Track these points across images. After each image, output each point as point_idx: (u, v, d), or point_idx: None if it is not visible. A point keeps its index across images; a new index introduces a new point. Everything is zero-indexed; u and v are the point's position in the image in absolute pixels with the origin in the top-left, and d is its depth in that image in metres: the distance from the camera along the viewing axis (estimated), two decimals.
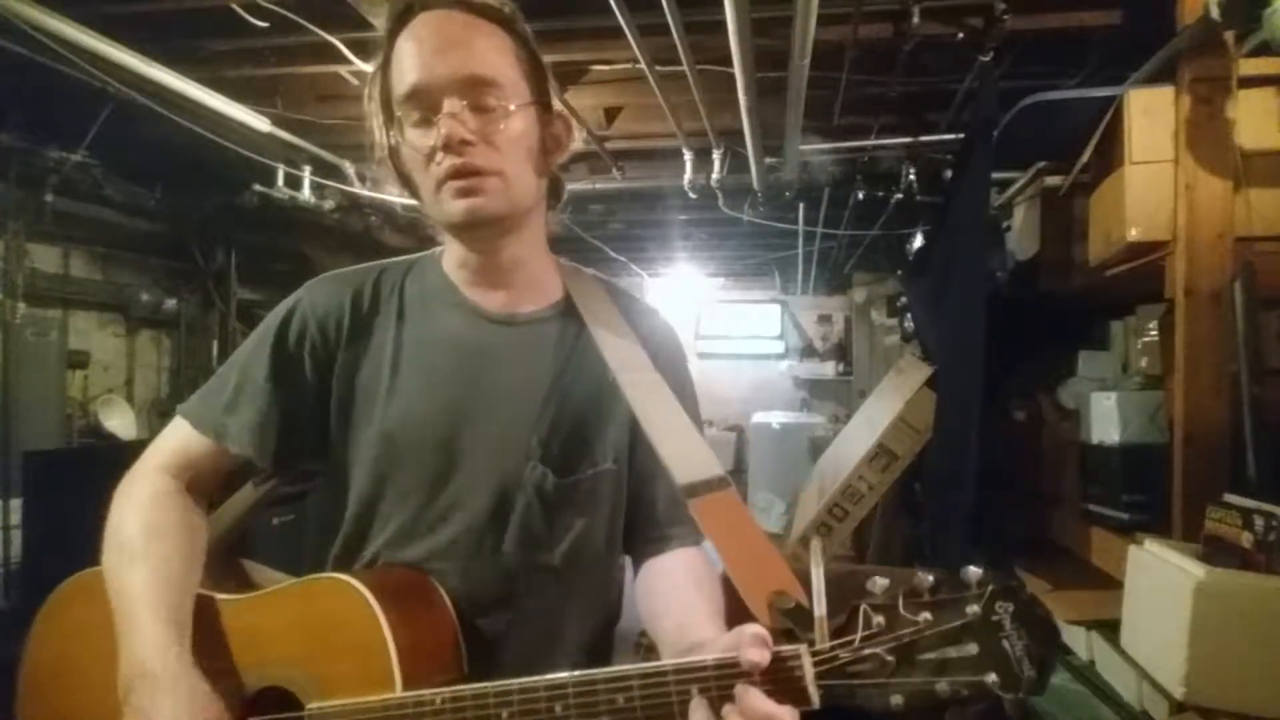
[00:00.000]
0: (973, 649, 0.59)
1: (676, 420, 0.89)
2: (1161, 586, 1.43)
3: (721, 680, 0.64)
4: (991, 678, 0.58)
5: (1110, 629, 1.67)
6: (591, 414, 0.92)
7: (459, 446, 0.89)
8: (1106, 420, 2.02)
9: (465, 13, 0.84)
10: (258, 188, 3.63)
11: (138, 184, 3.91)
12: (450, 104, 0.81)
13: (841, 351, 7.53)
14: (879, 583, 0.62)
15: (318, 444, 0.93)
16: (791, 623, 0.65)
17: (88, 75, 2.41)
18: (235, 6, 2.22)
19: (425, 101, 0.82)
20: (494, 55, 0.84)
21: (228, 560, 0.96)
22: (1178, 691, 1.33)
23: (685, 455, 0.86)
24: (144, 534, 0.85)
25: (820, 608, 0.63)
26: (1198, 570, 1.34)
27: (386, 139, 0.88)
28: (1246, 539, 1.36)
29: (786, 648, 0.63)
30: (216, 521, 0.97)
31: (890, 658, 0.60)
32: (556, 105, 0.92)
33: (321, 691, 0.78)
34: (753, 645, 0.63)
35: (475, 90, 0.82)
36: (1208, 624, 1.30)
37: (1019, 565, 2.25)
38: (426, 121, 0.83)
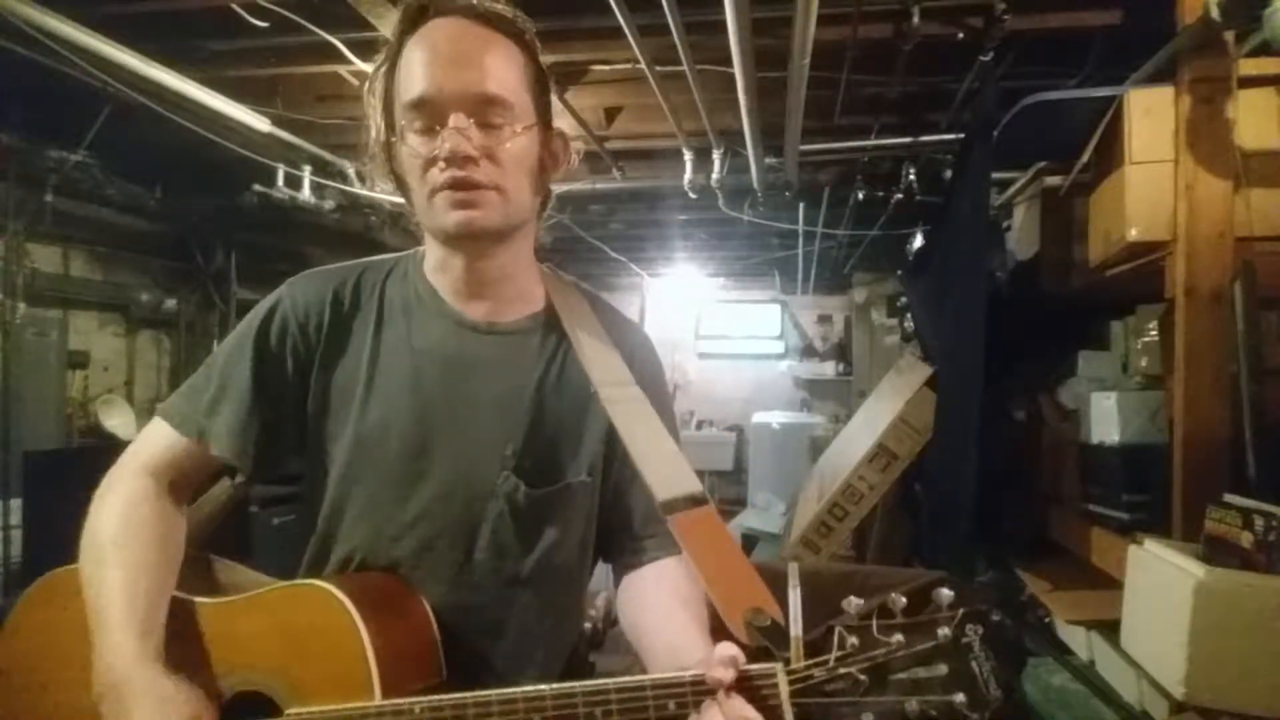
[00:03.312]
0: (942, 670, 0.61)
1: (657, 436, 0.90)
2: (1161, 586, 1.43)
3: (697, 696, 0.66)
4: (959, 698, 0.60)
5: (1110, 629, 1.67)
6: (568, 426, 0.92)
7: (432, 454, 0.88)
8: (1106, 420, 2.02)
9: (482, 25, 0.85)
10: (258, 188, 3.62)
11: (138, 184, 3.90)
12: (457, 119, 0.81)
13: (841, 351, 7.52)
14: (854, 603, 0.65)
15: (297, 445, 0.93)
16: (767, 640, 0.66)
17: (88, 75, 2.41)
18: (235, 6, 2.22)
19: (432, 111, 0.82)
20: (505, 73, 0.85)
21: (199, 558, 0.95)
22: (1178, 691, 1.33)
23: (665, 472, 0.87)
24: (120, 538, 0.85)
25: (796, 628, 0.65)
26: (1198, 570, 1.34)
27: (384, 136, 0.88)
28: (1246, 539, 1.36)
29: (763, 665, 0.65)
30: (189, 517, 0.97)
31: (863, 677, 0.62)
32: (555, 124, 0.93)
33: (300, 697, 0.78)
34: (720, 665, 0.65)
35: (485, 107, 0.83)
36: (1208, 624, 1.30)
37: (1019, 565, 2.25)
38: (431, 130, 0.83)
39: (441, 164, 0.82)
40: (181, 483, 0.92)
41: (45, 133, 3.31)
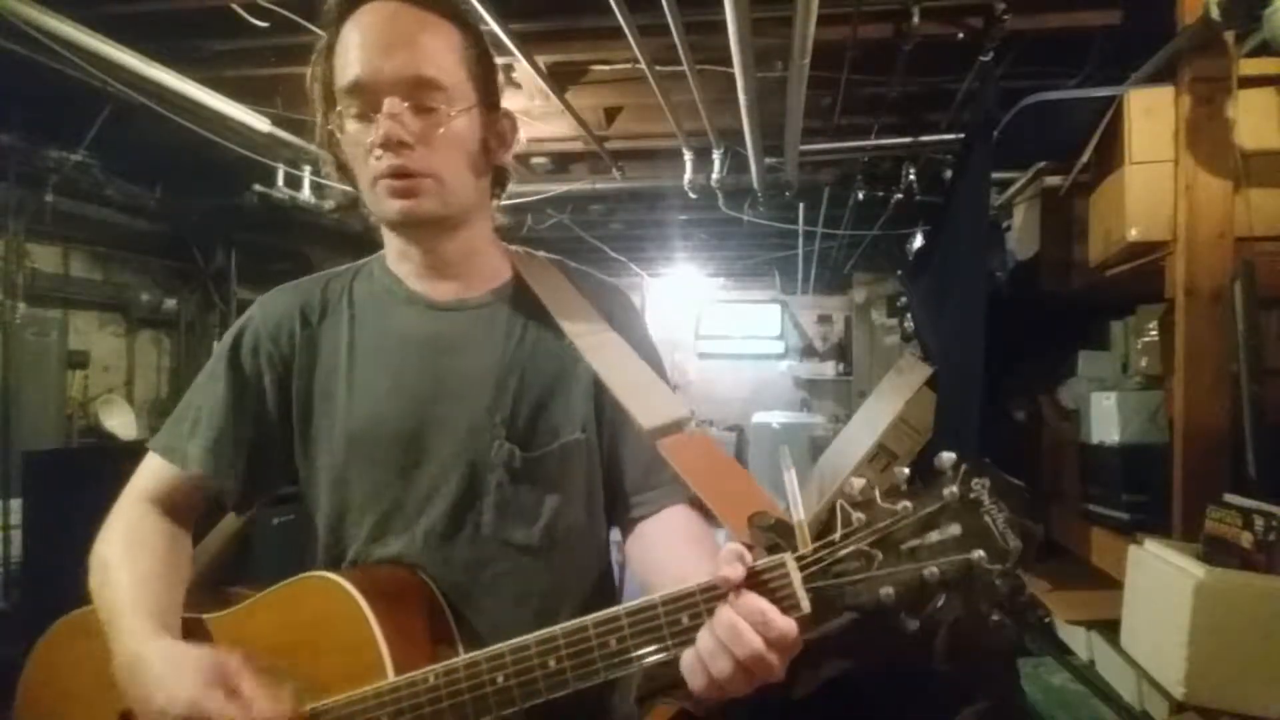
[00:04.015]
0: (955, 529, 0.59)
1: (636, 371, 0.90)
2: (1161, 586, 1.43)
3: (710, 603, 0.64)
4: (978, 554, 0.57)
5: (1110, 629, 1.67)
6: (552, 386, 0.92)
7: (425, 437, 0.89)
8: (1106, 420, 2.02)
9: (417, 6, 0.83)
10: (258, 188, 3.62)
11: (138, 184, 3.91)
12: (391, 103, 0.80)
13: (841, 351, 7.52)
14: (856, 483, 0.62)
15: (285, 459, 0.94)
16: (775, 536, 0.64)
17: (88, 75, 2.41)
18: (235, 6, 2.22)
19: (366, 97, 0.81)
20: (441, 55, 0.83)
21: (215, 590, 0.96)
22: (1178, 691, 1.33)
23: (648, 401, 0.87)
24: (126, 554, 0.86)
25: (798, 513, 0.63)
26: (1198, 570, 1.34)
27: (325, 123, 0.87)
28: (1246, 539, 1.36)
29: (771, 558, 0.63)
30: (201, 554, 0.98)
31: (875, 551, 0.60)
32: (502, 103, 0.92)
33: (316, 692, 0.78)
34: (727, 562, 0.63)
35: (419, 91, 0.81)
36: (1208, 624, 1.30)
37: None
38: (366, 116, 0.82)
39: (378, 151, 0.81)
40: (177, 510, 0.93)
41: (45, 133, 3.31)
